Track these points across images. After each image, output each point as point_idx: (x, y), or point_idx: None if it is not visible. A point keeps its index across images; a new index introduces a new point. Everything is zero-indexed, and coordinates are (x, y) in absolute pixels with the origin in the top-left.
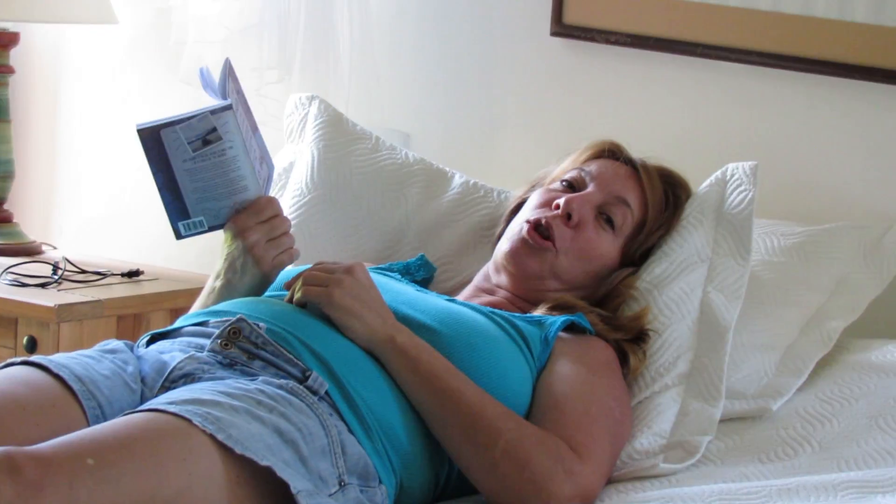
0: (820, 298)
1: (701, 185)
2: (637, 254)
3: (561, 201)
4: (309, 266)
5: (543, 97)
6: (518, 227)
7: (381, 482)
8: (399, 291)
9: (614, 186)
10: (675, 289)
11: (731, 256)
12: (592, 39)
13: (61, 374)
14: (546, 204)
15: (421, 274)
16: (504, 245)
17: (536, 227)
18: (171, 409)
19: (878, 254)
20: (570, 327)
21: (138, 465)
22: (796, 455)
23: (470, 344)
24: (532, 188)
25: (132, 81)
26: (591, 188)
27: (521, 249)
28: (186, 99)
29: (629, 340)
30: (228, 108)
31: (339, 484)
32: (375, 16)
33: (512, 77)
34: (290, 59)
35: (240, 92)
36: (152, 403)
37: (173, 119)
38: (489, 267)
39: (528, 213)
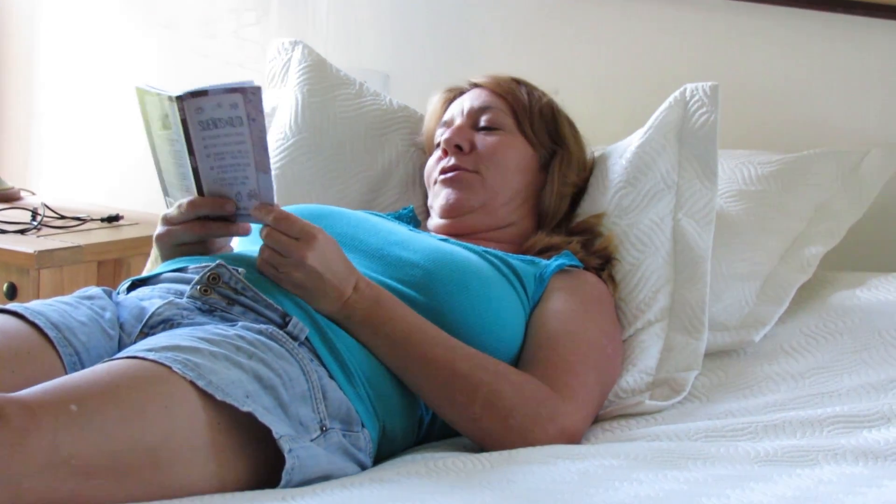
0: (799, 225)
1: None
2: (546, 137)
3: (443, 146)
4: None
5: (525, 34)
6: (434, 189)
7: (363, 426)
8: (391, 231)
9: (470, 106)
10: (645, 220)
11: (697, 179)
12: None
13: (37, 321)
14: (438, 160)
15: (412, 226)
16: (435, 207)
17: (448, 171)
18: (151, 356)
19: (856, 178)
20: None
21: (121, 412)
22: (780, 390)
23: (463, 283)
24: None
25: (109, 23)
26: (457, 123)
27: (452, 199)
28: (163, 43)
29: (600, 269)
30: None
31: (321, 429)
32: None
33: (492, 14)
34: (267, 0)
35: (254, 120)
36: (131, 350)
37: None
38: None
39: (430, 177)
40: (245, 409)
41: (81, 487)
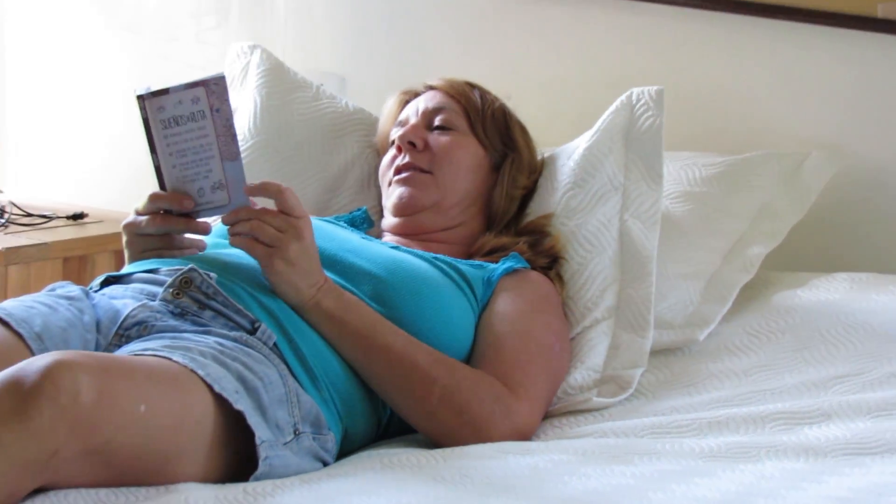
0: (741, 226)
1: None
2: (497, 139)
3: (397, 143)
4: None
5: (476, 40)
6: (388, 189)
7: (329, 429)
8: (345, 239)
9: (424, 106)
10: (593, 221)
11: (643, 181)
12: None
13: (21, 331)
14: (393, 158)
15: (364, 227)
16: (388, 205)
17: (402, 170)
18: (175, 356)
19: (797, 180)
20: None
21: (170, 422)
22: (724, 388)
23: (414, 290)
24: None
25: (74, 24)
26: (411, 122)
27: (405, 196)
28: (126, 46)
29: (548, 268)
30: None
31: (294, 432)
32: None
33: (446, 19)
34: (227, 5)
35: (218, 111)
36: (136, 351)
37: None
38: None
39: (385, 176)
40: (238, 406)
41: (98, 472)
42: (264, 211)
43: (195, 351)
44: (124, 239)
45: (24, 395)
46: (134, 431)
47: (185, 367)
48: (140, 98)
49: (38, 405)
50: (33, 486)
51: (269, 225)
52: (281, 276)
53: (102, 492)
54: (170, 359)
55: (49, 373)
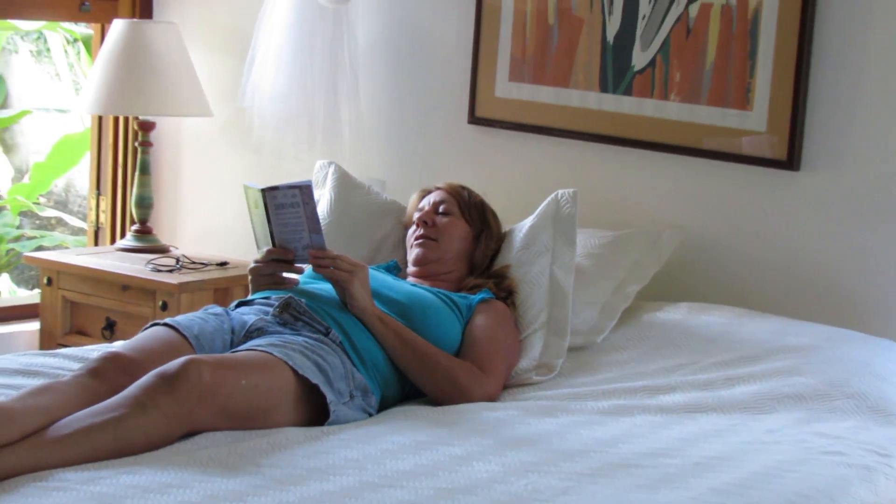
0: (622, 274)
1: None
2: (478, 221)
3: (416, 222)
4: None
5: (463, 161)
6: (410, 250)
7: (372, 394)
8: (384, 278)
9: (434, 199)
10: (534, 270)
11: (564, 246)
12: (493, 126)
13: (186, 334)
14: (413, 231)
15: (395, 272)
16: (410, 259)
17: (419, 238)
18: (276, 352)
19: (657, 246)
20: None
21: (263, 388)
22: (612, 371)
23: (423, 311)
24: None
25: (222, 148)
26: (426, 209)
27: (420, 254)
28: (251, 162)
29: (506, 298)
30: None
31: (350, 396)
32: (365, 110)
33: (444, 149)
34: (314, 137)
35: (307, 204)
36: (258, 346)
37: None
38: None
39: (409, 241)
40: (314, 381)
41: (222, 423)
42: (341, 256)
43: (289, 347)
44: (249, 277)
45: (169, 378)
46: (241, 396)
47: (280, 358)
48: (262, 191)
49: (179, 383)
50: (181, 432)
51: (347, 261)
52: (358, 291)
53: (237, 433)
54: (271, 353)
55: (185, 365)
